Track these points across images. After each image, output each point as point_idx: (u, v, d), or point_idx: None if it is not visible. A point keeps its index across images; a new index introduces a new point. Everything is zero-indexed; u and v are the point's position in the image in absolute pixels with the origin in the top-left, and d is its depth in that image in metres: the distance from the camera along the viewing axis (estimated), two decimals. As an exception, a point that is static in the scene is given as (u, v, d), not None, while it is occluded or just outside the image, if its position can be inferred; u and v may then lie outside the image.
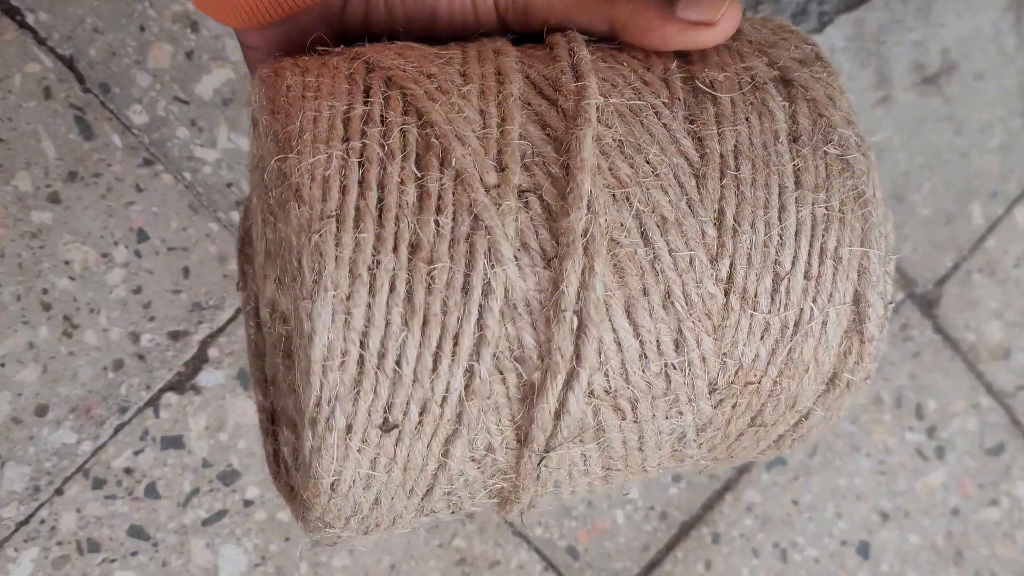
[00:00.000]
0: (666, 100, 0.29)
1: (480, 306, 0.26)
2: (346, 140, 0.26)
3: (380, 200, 0.26)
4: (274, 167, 0.26)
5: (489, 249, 0.27)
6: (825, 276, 0.29)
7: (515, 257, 0.27)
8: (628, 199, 0.28)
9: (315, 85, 0.27)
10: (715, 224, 0.29)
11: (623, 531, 0.57)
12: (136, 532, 0.52)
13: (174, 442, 0.53)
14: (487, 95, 0.28)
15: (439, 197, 0.26)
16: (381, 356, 0.26)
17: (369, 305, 0.26)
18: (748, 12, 0.59)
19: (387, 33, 0.33)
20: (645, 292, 0.28)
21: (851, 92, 0.60)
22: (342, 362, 0.25)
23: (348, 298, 0.25)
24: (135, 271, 0.52)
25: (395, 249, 0.26)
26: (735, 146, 0.29)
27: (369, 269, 0.25)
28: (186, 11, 0.52)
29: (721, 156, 0.29)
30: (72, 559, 0.52)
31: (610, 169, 0.28)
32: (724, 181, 0.29)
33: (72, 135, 0.52)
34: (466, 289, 0.26)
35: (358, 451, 0.26)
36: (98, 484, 0.52)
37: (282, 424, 0.32)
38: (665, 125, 0.29)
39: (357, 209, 0.26)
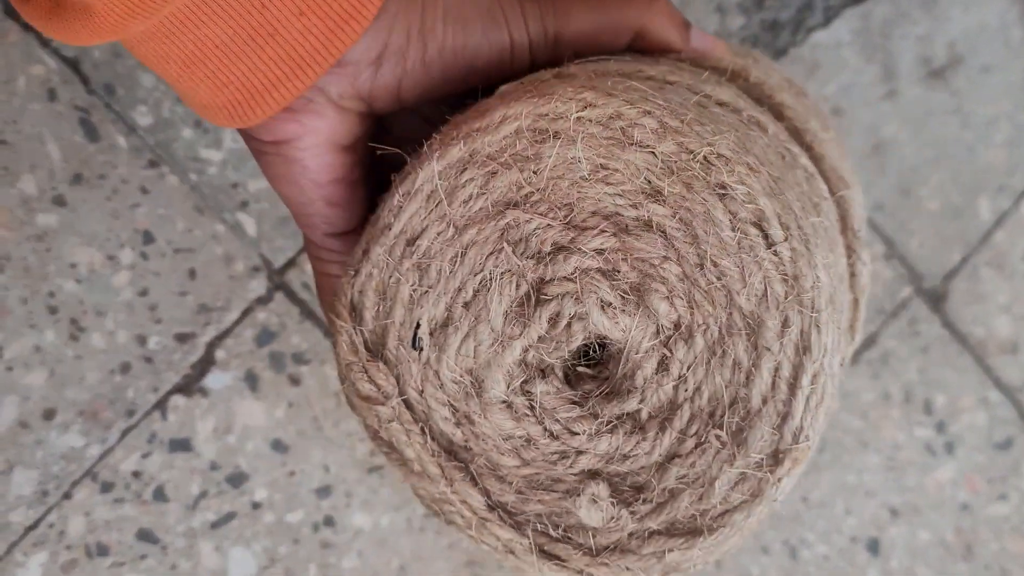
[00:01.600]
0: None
1: None
2: None
3: None
4: None
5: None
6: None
7: None
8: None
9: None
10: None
11: (632, 530, 0.57)
12: (145, 535, 0.52)
13: (182, 445, 0.53)
14: None
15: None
16: None
17: None
18: (753, 9, 0.59)
19: (423, 94, 0.33)
20: None
21: (857, 87, 0.60)
22: None
23: None
24: (141, 273, 0.52)
25: None
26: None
27: None
28: (190, 12, 0.52)
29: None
30: (81, 563, 0.52)
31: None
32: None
33: (77, 137, 0.51)
34: None
35: None
36: (106, 488, 0.52)
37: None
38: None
39: None
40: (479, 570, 0.55)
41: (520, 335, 0.30)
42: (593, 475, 0.31)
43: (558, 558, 0.31)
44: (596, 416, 0.31)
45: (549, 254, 0.30)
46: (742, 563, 0.58)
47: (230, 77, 0.30)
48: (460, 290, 0.31)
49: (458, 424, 0.31)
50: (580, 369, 0.32)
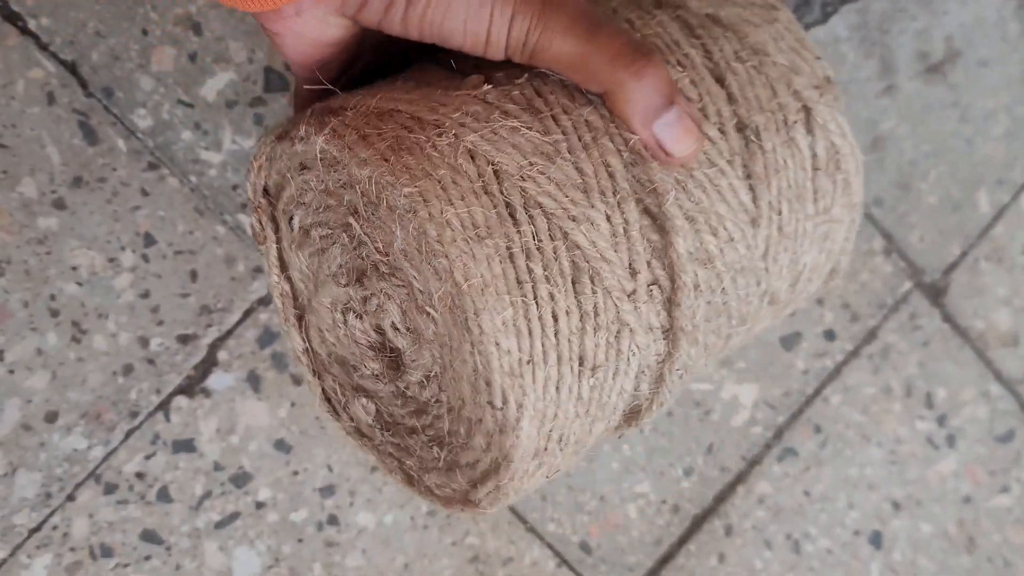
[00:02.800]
0: (728, 158, 0.36)
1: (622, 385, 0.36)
2: (520, 284, 0.33)
3: (556, 331, 0.33)
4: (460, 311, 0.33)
5: (631, 343, 0.34)
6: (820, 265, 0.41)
7: (647, 340, 0.35)
8: (714, 264, 0.36)
9: (467, 220, 0.32)
10: (763, 258, 0.37)
11: (636, 525, 0.57)
12: (149, 536, 0.52)
13: (185, 446, 0.53)
14: (607, 196, 0.34)
15: (595, 314, 0.33)
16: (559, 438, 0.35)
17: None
18: None
19: (401, 36, 0.34)
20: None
21: (855, 82, 0.60)
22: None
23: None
24: (142, 276, 0.52)
25: (570, 365, 0.34)
26: (778, 190, 0.37)
27: (557, 389, 0.34)
28: (188, 13, 0.52)
29: (769, 203, 0.37)
30: (85, 565, 0.52)
31: (699, 244, 0.35)
32: (771, 225, 0.37)
33: (76, 140, 0.52)
34: (616, 375, 0.35)
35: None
36: (110, 489, 0.52)
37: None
38: (731, 185, 0.36)
39: (544, 348, 0.33)
40: (483, 567, 0.55)
41: (343, 286, 0.39)
42: (367, 393, 0.41)
43: (335, 412, 0.43)
44: (377, 371, 0.41)
45: (372, 266, 0.38)
46: (745, 556, 0.59)
47: None
48: (319, 225, 0.39)
49: (304, 287, 0.42)
50: (391, 335, 0.39)
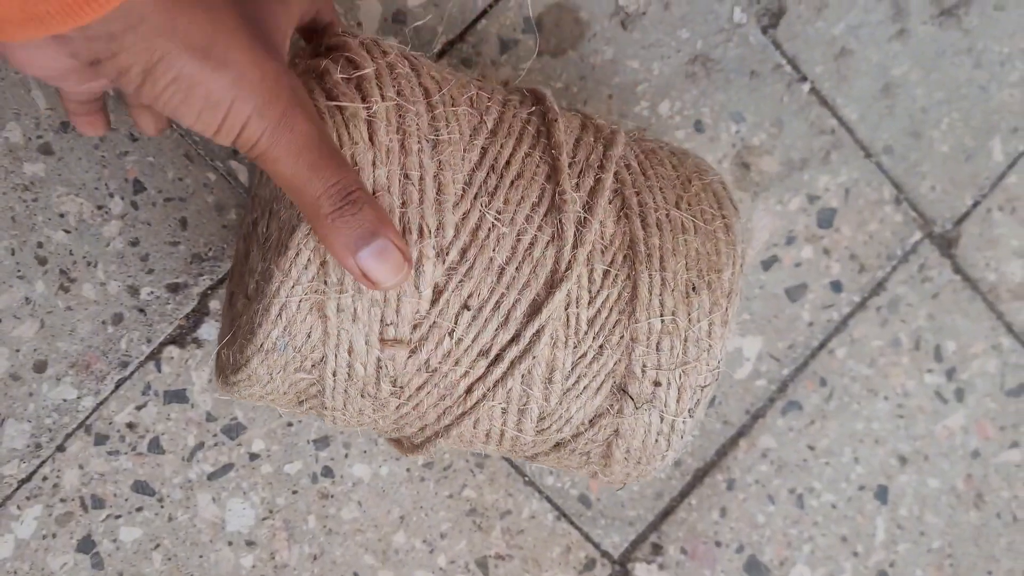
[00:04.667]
0: None
1: None
2: None
3: None
4: None
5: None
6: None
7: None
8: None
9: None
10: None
11: (636, 479, 0.56)
12: (141, 487, 0.52)
13: (177, 396, 0.52)
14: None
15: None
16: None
17: None
18: (758, -57, 0.57)
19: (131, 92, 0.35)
20: None
21: (866, 26, 0.58)
22: None
23: None
24: (132, 223, 0.51)
25: None
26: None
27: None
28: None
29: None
30: (76, 516, 0.51)
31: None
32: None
33: (62, 83, 0.50)
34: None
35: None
36: (100, 440, 0.51)
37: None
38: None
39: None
40: (480, 519, 0.55)
41: None
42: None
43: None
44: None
45: None
46: (748, 511, 0.58)
47: None
48: None
49: None
50: None
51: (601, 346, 0.39)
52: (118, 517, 0.51)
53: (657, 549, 0.57)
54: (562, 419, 0.41)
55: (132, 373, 0.51)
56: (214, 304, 0.52)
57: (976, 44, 0.60)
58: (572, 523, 0.56)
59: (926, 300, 0.60)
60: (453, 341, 0.38)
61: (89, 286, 0.51)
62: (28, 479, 0.51)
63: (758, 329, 0.58)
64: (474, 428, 0.41)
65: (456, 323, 0.38)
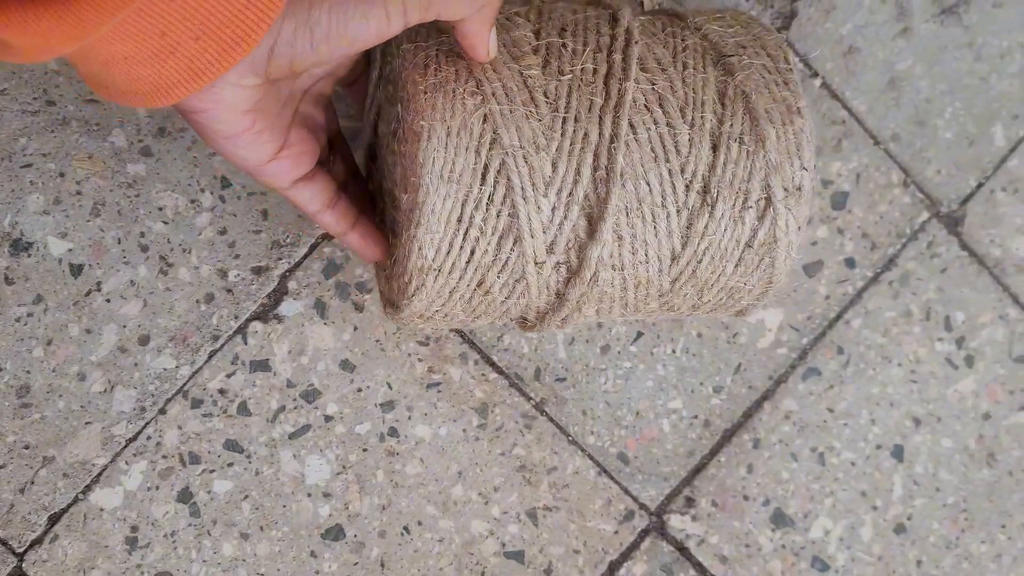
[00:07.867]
0: (678, 207, 0.45)
1: (509, 307, 0.48)
2: (459, 221, 0.42)
3: (468, 260, 0.44)
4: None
5: (523, 289, 0.45)
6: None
7: (539, 292, 0.47)
8: (623, 271, 0.45)
9: (448, 163, 0.42)
10: (671, 283, 0.46)
11: (669, 439, 0.62)
12: (231, 445, 0.59)
13: (261, 365, 0.59)
14: (562, 194, 0.43)
15: (504, 263, 0.44)
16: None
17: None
18: (770, -47, 0.63)
19: (313, 66, 0.40)
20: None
21: (872, 26, 0.64)
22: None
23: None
24: (220, 214, 0.59)
25: (468, 284, 0.45)
26: (707, 246, 0.46)
27: (450, 294, 0.46)
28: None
29: (694, 252, 0.46)
30: (176, 470, 0.58)
31: (617, 255, 0.45)
32: (687, 266, 0.46)
33: (160, 94, 0.58)
34: (504, 301, 0.47)
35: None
36: (196, 404, 0.58)
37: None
38: (667, 227, 0.45)
39: (452, 265, 0.44)
40: (529, 475, 0.61)
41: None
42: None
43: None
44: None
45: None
46: (772, 468, 0.63)
47: (138, 78, 0.35)
48: (384, 121, 0.51)
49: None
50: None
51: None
52: (212, 471, 0.59)
53: (690, 502, 0.63)
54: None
55: (222, 345, 0.59)
56: (292, 284, 0.59)
57: (976, 39, 0.65)
58: (612, 478, 0.62)
59: (935, 274, 0.65)
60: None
61: (184, 270, 0.58)
62: (135, 438, 0.58)
63: (779, 302, 0.64)
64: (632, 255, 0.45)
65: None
